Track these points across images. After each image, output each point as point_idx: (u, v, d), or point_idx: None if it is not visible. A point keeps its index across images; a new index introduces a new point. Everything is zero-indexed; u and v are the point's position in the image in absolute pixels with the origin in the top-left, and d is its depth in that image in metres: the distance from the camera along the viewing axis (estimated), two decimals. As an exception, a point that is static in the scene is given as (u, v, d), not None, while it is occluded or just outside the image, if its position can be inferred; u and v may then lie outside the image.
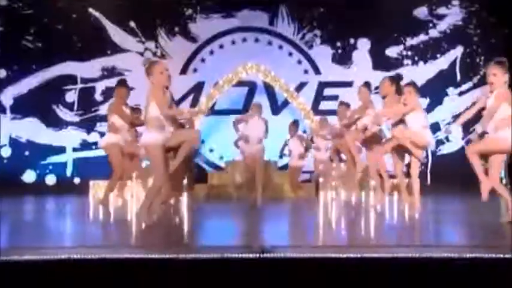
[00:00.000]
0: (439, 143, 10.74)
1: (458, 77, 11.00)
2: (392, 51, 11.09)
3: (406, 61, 11.11)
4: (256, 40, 11.21)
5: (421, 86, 10.66)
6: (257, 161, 5.92)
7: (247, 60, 10.41)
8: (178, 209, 6.20)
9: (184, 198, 6.69)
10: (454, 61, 11.02)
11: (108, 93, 10.70)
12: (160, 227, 4.33)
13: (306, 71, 11.17)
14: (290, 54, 11.23)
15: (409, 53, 11.11)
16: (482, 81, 8.77)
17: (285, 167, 10.53)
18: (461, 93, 10.99)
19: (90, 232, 4.12)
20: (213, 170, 10.67)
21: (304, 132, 10.77)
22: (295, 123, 9.05)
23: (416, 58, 11.09)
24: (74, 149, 10.92)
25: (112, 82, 11.04)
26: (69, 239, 3.72)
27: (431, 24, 11.03)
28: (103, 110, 10.88)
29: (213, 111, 10.89)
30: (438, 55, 11.04)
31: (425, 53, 11.03)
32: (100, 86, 10.96)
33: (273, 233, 4.14)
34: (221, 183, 9.58)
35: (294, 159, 8.89)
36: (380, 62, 10.97)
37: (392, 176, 5.77)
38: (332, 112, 10.83)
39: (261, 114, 7.20)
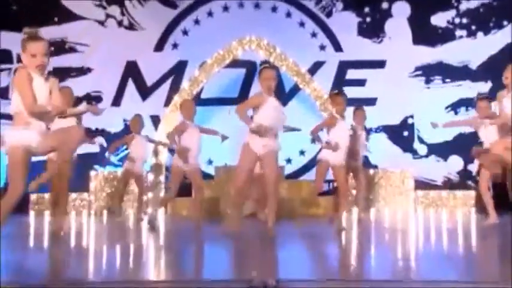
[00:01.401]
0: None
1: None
2: (439, 19, 11.01)
3: (459, 32, 11.01)
4: (257, 5, 11.15)
5: (480, 64, 10.88)
6: (270, 167, 5.39)
7: (244, 33, 10.38)
8: (154, 230, 6.12)
9: (161, 216, 6.66)
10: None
11: (57, 76, 10.65)
12: (125, 256, 4.22)
13: (322, 47, 11.14)
14: (302, 24, 11.19)
15: (464, 20, 11.03)
16: None
17: (293, 175, 10.49)
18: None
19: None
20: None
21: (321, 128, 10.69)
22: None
23: (473, 27, 11.01)
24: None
25: (62, 60, 11.14)
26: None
27: (493, -19, 10.99)
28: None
29: (199, 101, 10.82)
30: (505, 22, 10.95)
31: (485, 20, 10.96)
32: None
33: (279, 263, 4.04)
34: (210, 195, 9.48)
35: None
36: (423, 33, 10.92)
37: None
38: (357, 102, 10.88)
39: None
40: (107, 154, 8.73)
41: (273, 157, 5.42)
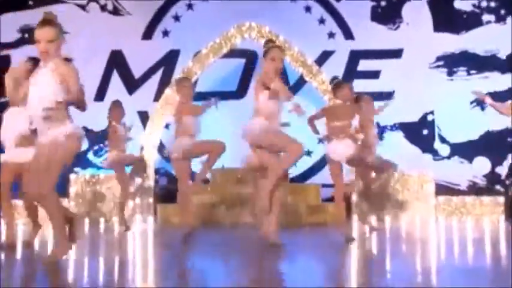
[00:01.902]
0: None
1: None
2: (464, 2, 10.93)
3: (486, 16, 10.92)
4: (257, -13, 11.10)
5: (510, 53, 10.73)
6: (273, 169, 5.38)
7: (243, 18, 10.31)
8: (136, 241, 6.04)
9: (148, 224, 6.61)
10: None
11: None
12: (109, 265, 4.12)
13: (331, 34, 11.07)
14: (307, 8, 11.13)
15: (492, 3, 10.92)
16: None
17: (298, 178, 10.42)
18: None
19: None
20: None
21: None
22: None
23: (502, 12, 10.91)
24: None
25: (35, 50, 10.99)
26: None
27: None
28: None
29: (192, 95, 10.76)
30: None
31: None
32: (18, 56, 10.75)
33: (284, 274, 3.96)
34: (204, 201, 9.41)
35: None
36: (445, 18, 10.83)
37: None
38: (371, 96, 10.80)
39: None
40: None
41: None
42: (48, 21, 4.32)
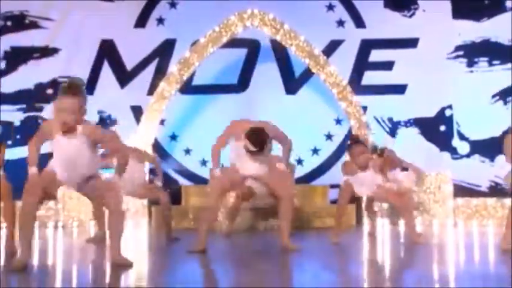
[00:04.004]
0: None
1: None
2: (485, -13, 10.94)
3: (510, 2, 10.88)
4: (260, -29, 11.11)
5: None
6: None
7: (245, 6, 10.36)
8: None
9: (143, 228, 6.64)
10: None
11: (12, 62, 10.69)
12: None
13: (340, 22, 11.09)
14: (315, -7, 11.15)
15: (518, -13, 10.92)
16: None
17: (304, 178, 10.45)
18: None
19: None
20: (191, 183, 10.64)
21: (338, 121, 10.71)
22: None
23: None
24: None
25: (22, 38, 11.04)
26: None
27: None
28: (9, 87, 10.77)
29: (189, 88, 10.81)
30: None
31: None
32: (1, 46, 10.82)
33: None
34: (202, 204, 9.43)
35: None
36: (465, 4, 10.83)
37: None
38: (383, 89, 10.82)
39: None
40: None
41: None
42: (74, 89, 4.48)
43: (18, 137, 10.58)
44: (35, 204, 4.49)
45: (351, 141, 6.76)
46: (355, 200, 9.81)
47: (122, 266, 4.55)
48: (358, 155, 6.47)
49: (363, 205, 9.38)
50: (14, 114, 10.66)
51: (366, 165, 6.50)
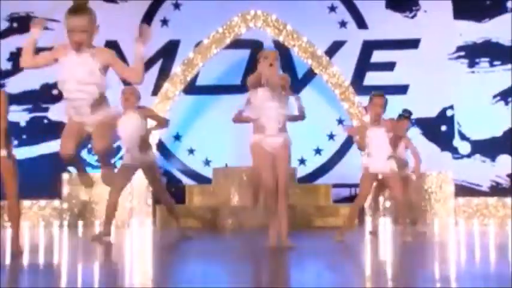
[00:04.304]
0: None
1: None
2: (488, -13, 10.89)
3: (511, 3, 10.84)
4: (264, -27, 11.10)
5: None
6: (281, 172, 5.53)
7: (248, 7, 10.33)
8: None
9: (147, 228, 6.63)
10: None
11: (18, 63, 10.61)
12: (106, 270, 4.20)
13: (343, 23, 11.06)
14: (318, -5, 11.12)
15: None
16: None
17: (307, 178, 10.42)
18: None
19: None
20: (195, 183, 10.60)
21: (341, 121, 10.69)
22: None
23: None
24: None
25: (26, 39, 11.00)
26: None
27: None
28: (15, 87, 10.76)
29: (193, 89, 10.79)
30: None
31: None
32: (6, 46, 10.81)
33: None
34: (206, 203, 9.44)
35: None
36: (467, 5, 10.79)
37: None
38: (385, 90, 10.77)
39: None
40: None
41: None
42: (81, 8, 4.32)
43: (24, 137, 10.57)
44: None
45: (375, 92, 6.71)
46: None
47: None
48: (375, 105, 6.45)
49: (366, 204, 9.37)
50: (20, 115, 10.65)
51: (379, 120, 6.49)
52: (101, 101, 4.42)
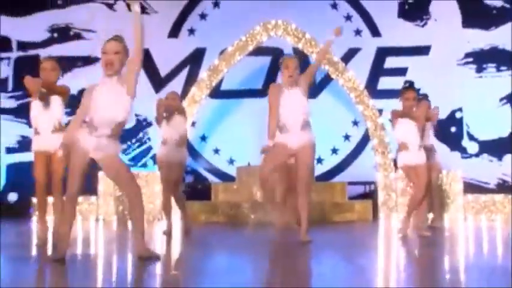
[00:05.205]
0: None
1: None
2: (494, -2, 10.78)
3: (518, 13, 10.73)
4: (284, -15, 11.08)
5: None
6: (302, 169, 5.46)
7: (269, 16, 10.31)
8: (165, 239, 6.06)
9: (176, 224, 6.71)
10: None
11: (61, 66, 10.73)
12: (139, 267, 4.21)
13: (358, 32, 11.01)
14: (334, 5, 11.09)
15: (524, -2, 10.75)
16: None
17: (323, 177, 10.38)
18: None
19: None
20: (219, 181, 10.61)
21: (356, 123, 10.63)
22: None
23: (536, 7, 10.75)
24: (8, 150, 10.98)
25: (67, 49, 11.18)
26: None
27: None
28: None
29: (218, 93, 10.81)
30: None
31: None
32: (47, 54, 10.89)
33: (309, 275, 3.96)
34: (230, 200, 9.44)
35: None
36: (475, 14, 10.70)
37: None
38: (397, 94, 10.70)
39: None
40: None
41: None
42: (118, 36, 4.54)
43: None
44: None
45: (405, 86, 6.63)
46: (371, 195, 9.79)
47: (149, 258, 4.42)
48: (407, 99, 6.35)
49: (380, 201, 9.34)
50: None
51: (410, 112, 6.38)
52: None
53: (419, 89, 10.56)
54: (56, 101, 5.69)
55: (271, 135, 5.66)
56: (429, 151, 7.09)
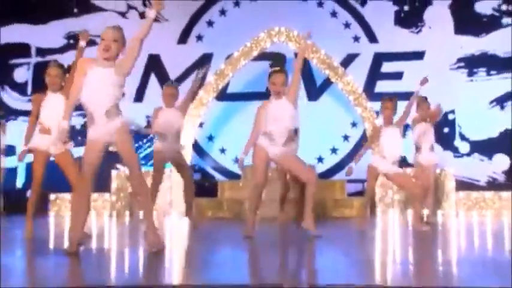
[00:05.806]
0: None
1: None
2: (484, 6, 10.85)
3: (505, 19, 10.82)
4: (286, -6, 11.14)
5: None
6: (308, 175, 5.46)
7: (273, 23, 10.38)
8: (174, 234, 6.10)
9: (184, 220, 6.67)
10: None
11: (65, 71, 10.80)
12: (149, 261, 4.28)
13: (356, 38, 11.05)
14: (334, 13, 11.13)
15: (511, 7, 10.82)
16: None
17: (324, 175, 10.43)
18: None
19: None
20: (226, 179, 10.66)
21: (354, 124, 10.67)
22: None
23: (524, 15, 10.83)
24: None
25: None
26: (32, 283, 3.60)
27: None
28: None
29: (224, 96, 10.87)
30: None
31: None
32: (64, 60, 10.94)
33: (311, 268, 4.00)
34: (235, 197, 9.49)
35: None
36: (466, 22, 10.78)
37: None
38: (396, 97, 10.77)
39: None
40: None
41: None
42: (115, 26, 4.51)
43: (79, 138, 10.74)
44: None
45: (386, 98, 6.74)
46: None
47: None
48: (386, 108, 6.56)
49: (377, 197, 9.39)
50: (76, 119, 10.81)
51: (390, 120, 6.57)
52: None
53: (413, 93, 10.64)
54: (63, 102, 5.66)
55: (246, 152, 5.63)
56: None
